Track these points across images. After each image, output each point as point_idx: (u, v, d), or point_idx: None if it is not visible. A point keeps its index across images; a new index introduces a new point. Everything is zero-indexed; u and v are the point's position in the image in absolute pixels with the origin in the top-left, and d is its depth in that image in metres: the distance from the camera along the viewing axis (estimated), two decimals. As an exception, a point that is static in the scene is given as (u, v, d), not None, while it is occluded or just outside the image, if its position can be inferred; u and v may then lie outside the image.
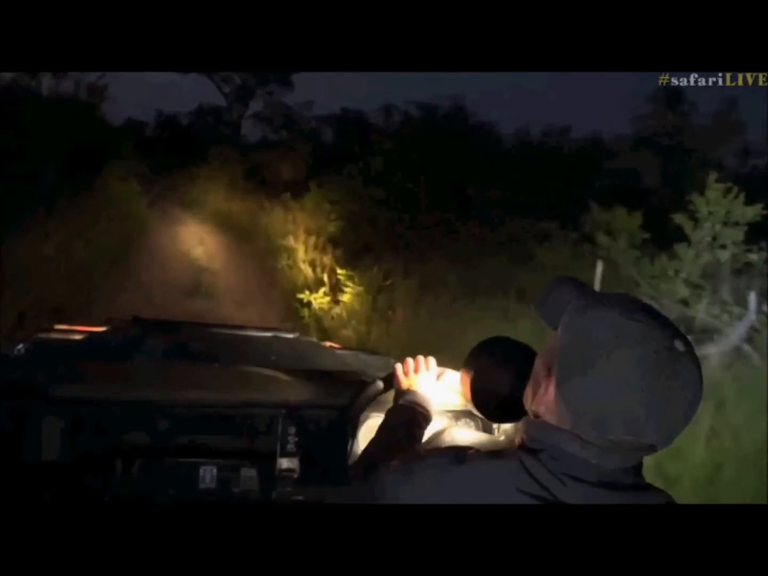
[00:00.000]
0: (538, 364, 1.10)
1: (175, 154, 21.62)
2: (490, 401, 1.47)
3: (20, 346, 2.23)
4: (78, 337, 2.43)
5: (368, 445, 1.42)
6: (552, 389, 1.02)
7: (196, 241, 14.72)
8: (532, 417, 1.10)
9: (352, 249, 10.93)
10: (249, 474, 1.73)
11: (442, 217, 11.38)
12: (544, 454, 1.01)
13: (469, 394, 1.49)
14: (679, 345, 0.95)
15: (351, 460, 1.74)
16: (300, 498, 1.70)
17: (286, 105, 26.60)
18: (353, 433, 1.78)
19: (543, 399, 1.05)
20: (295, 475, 1.71)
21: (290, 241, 11.62)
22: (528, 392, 1.14)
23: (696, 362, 0.96)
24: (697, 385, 0.96)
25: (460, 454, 1.08)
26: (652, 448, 0.98)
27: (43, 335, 2.45)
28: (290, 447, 1.73)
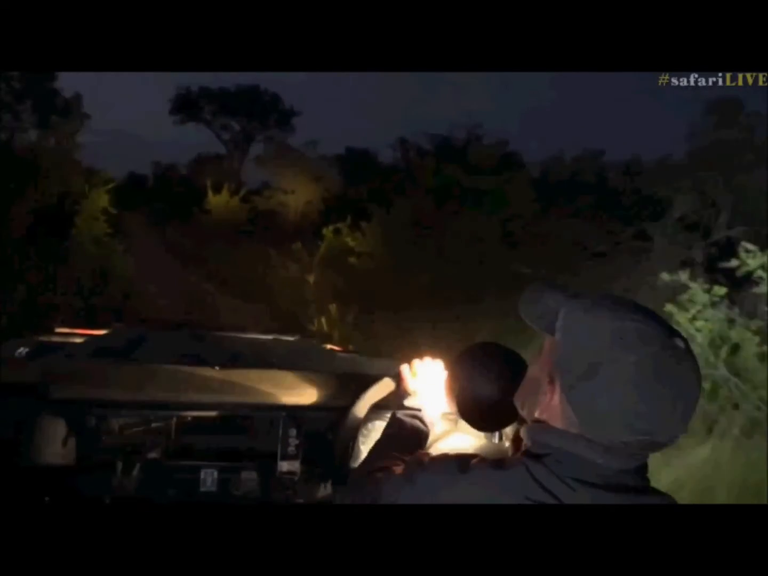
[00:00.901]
0: (536, 371, 1.10)
1: (173, 206, 20.53)
2: (477, 411, 1.45)
3: (21, 349, 2.23)
4: (79, 339, 2.42)
5: (372, 448, 1.42)
6: (557, 396, 1.02)
7: (194, 307, 11.55)
8: (530, 423, 1.10)
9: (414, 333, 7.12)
10: (250, 476, 1.72)
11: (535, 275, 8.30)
12: (549, 458, 1.01)
13: (452, 399, 1.47)
14: (678, 342, 0.97)
15: (352, 463, 1.73)
16: (301, 500, 1.70)
17: (289, 146, 24.80)
18: (354, 436, 1.77)
19: (548, 406, 1.05)
20: (296, 478, 1.71)
21: (319, 321, 8.36)
22: (522, 399, 1.14)
23: (694, 357, 0.98)
24: (698, 379, 0.98)
25: (463, 462, 1.07)
26: (661, 445, 0.99)
27: (44, 338, 2.45)
28: (291, 449, 1.72)
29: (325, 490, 1.72)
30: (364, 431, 1.82)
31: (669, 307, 4.56)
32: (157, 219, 19.76)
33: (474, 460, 1.07)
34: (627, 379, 0.94)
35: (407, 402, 1.50)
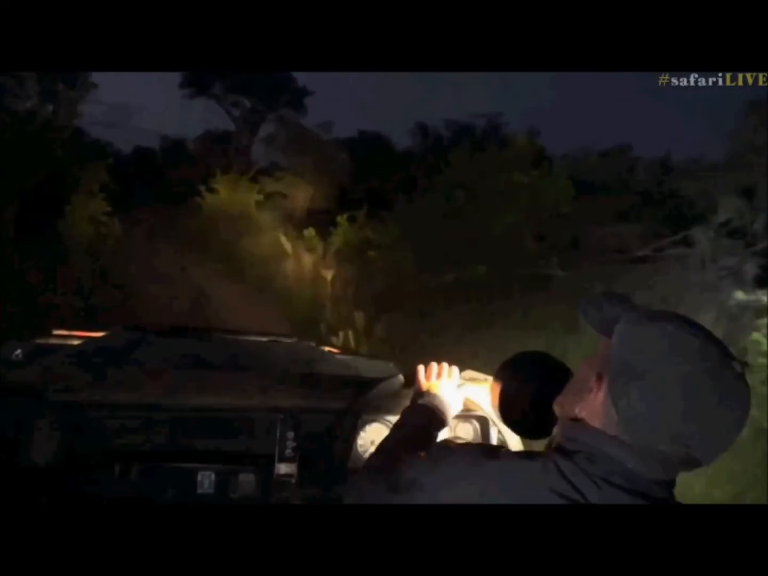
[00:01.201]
0: (585, 370, 1.10)
1: (179, 184, 19.54)
2: (516, 414, 1.46)
3: (18, 351, 2.22)
4: (76, 342, 2.42)
5: (384, 439, 1.42)
6: (602, 394, 1.02)
7: (196, 304, 9.81)
8: (567, 421, 1.10)
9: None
10: (247, 479, 1.71)
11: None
12: (580, 455, 1.01)
13: (496, 404, 1.49)
14: (736, 366, 0.97)
15: (349, 465, 1.73)
16: (298, 503, 1.69)
17: (302, 126, 22.53)
18: (352, 438, 1.77)
19: (590, 403, 1.05)
20: (293, 480, 1.70)
21: (346, 335, 7.23)
22: (564, 398, 1.14)
23: (748, 386, 0.98)
24: (748, 407, 0.98)
25: (491, 450, 1.09)
26: (696, 463, 0.99)
27: (42, 341, 2.44)
28: (288, 452, 1.71)
29: (323, 493, 1.71)
30: (362, 433, 1.81)
31: (756, 336, 3.98)
32: (160, 197, 18.70)
33: (502, 450, 1.10)
34: (679, 385, 0.94)
35: (421, 400, 1.50)
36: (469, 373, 1.69)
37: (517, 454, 1.08)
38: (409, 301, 8.22)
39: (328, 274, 9.79)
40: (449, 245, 8.91)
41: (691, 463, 0.99)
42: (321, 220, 12.64)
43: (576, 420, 1.07)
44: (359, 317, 7.83)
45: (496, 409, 1.49)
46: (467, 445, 1.19)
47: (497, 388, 1.48)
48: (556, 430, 1.12)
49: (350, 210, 11.83)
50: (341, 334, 7.67)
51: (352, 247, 10.64)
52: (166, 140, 26.61)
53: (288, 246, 11.82)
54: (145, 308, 8.55)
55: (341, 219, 11.57)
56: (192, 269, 12.32)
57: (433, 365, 1.59)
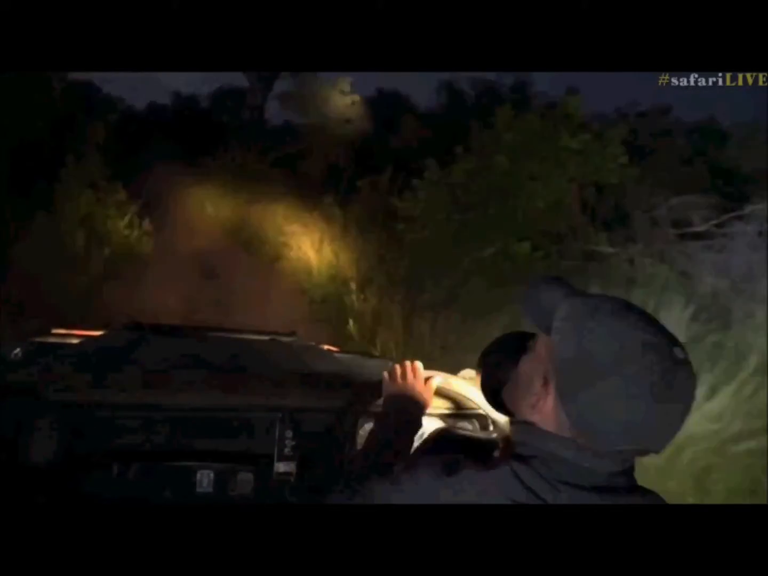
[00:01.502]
0: (530, 372, 1.08)
1: (191, 144, 18.07)
2: (495, 394, 1.46)
3: (17, 350, 2.22)
4: (75, 341, 2.41)
5: (359, 451, 1.42)
6: (551, 400, 1.01)
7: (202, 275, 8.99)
8: (521, 421, 1.09)
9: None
10: (246, 478, 1.72)
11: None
12: (536, 460, 1.00)
13: (479, 386, 1.49)
14: (678, 352, 0.95)
15: (348, 464, 1.73)
16: (297, 502, 1.69)
17: (318, 83, 22.70)
18: (351, 437, 1.77)
19: (541, 409, 1.03)
20: (292, 479, 1.70)
21: (383, 344, 6.65)
22: (514, 396, 1.13)
23: (691, 367, 0.97)
24: (694, 390, 0.97)
25: (450, 464, 1.05)
26: (652, 452, 0.98)
27: (41, 339, 2.44)
28: (287, 451, 1.72)
29: (321, 492, 1.71)
30: (361, 433, 1.81)
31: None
32: (168, 159, 17.12)
33: (460, 462, 1.05)
34: (626, 388, 0.93)
35: (391, 406, 1.50)
36: (468, 372, 1.69)
37: (476, 465, 1.04)
38: (444, 282, 7.52)
39: (351, 251, 8.99)
40: (488, 218, 8.13)
41: (647, 453, 0.99)
42: (340, 185, 11.29)
43: (529, 423, 1.06)
44: (395, 311, 7.18)
45: (480, 390, 1.49)
46: (425, 461, 1.15)
47: (479, 370, 1.48)
48: (511, 432, 1.10)
49: (371, 175, 10.52)
50: (363, 322, 7.28)
51: (375, 216, 9.55)
52: (178, 97, 25.27)
53: (305, 214, 10.57)
54: (148, 288, 8.32)
55: (362, 183, 10.36)
56: (199, 241, 11.61)
57: (397, 367, 1.58)
